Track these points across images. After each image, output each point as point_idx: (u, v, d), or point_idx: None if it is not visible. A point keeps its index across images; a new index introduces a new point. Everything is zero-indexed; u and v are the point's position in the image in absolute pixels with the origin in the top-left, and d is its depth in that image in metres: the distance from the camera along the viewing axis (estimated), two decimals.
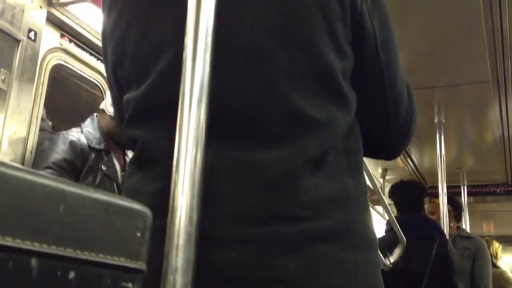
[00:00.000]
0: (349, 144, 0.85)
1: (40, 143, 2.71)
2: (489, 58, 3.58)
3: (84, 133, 2.71)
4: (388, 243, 2.84)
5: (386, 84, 0.91)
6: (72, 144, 2.61)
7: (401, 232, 2.65)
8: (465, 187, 6.37)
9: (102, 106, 2.88)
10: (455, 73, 3.89)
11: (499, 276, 5.34)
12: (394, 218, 2.71)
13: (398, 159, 5.64)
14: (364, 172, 0.90)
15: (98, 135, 2.74)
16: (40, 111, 2.76)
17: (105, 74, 3.38)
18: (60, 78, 3.11)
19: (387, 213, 2.76)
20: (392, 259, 2.66)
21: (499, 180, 6.70)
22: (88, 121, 2.80)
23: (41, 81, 2.79)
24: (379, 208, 6.26)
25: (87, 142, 2.68)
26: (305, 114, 0.80)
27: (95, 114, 2.87)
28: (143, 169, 0.87)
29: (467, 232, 4.43)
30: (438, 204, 4.18)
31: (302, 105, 0.80)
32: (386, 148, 1.02)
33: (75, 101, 3.43)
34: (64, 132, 2.69)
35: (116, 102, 1.03)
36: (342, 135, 0.84)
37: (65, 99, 3.37)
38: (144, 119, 0.87)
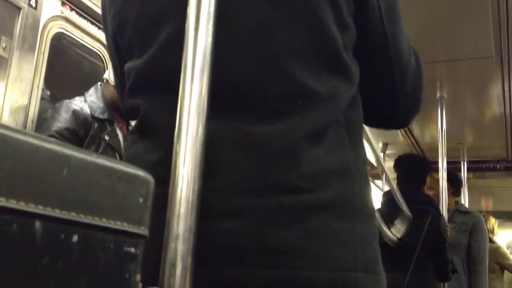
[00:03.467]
0: (350, 116, 0.85)
1: (41, 112, 2.70)
2: (493, 32, 3.54)
3: (88, 102, 2.69)
4: (387, 216, 2.86)
5: (392, 54, 0.91)
6: (75, 113, 2.61)
7: (407, 207, 2.66)
8: (465, 162, 6.38)
9: (105, 75, 2.85)
10: (458, 48, 3.85)
11: (495, 251, 5.40)
12: (398, 193, 2.71)
13: (399, 133, 5.63)
14: (368, 144, 0.91)
15: (101, 104, 2.72)
16: (41, 80, 2.75)
17: (106, 43, 3.35)
18: (61, 47, 3.09)
19: (392, 190, 2.75)
20: (399, 234, 2.68)
21: (499, 156, 6.70)
22: (91, 90, 2.78)
23: (42, 50, 2.77)
24: (379, 182, 6.29)
25: (90, 112, 2.66)
26: (307, 88, 0.80)
27: (99, 83, 2.85)
28: (144, 139, 0.87)
29: (466, 207, 4.45)
30: (437, 179, 4.19)
31: (305, 79, 0.80)
32: (395, 115, 1.01)
33: (75, 70, 3.41)
34: (67, 100, 2.68)
35: (116, 70, 1.03)
36: (344, 107, 0.84)
37: (66, 68, 3.35)
38: (145, 89, 0.88)
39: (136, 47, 0.89)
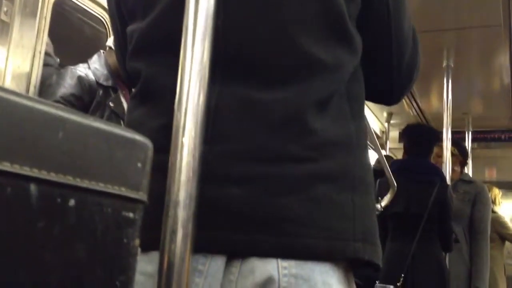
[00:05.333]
0: (352, 89, 0.86)
1: (46, 78, 2.69)
2: (502, 0, 3.49)
3: (92, 69, 2.70)
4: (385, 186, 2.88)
5: (393, 31, 0.91)
6: (80, 79, 2.61)
7: (393, 177, 2.68)
8: (470, 132, 6.36)
9: (108, 43, 2.84)
10: (466, 16, 3.80)
11: (495, 220, 5.42)
12: (387, 164, 2.71)
13: (404, 103, 5.60)
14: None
15: (105, 72, 2.73)
16: (43, 45, 2.72)
17: (107, 7, 3.31)
18: (63, 12, 3.06)
19: (380, 159, 2.77)
20: (383, 203, 2.70)
21: (504, 126, 6.69)
22: (95, 57, 2.78)
23: (44, 15, 2.74)
24: (384, 153, 6.29)
25: (95, 78, 2.67)
26: (313, 57, 0.80)
27: (101, 50, 2.84)
28: (147, 104, 0.87)
29: (469, 177, 4.45)
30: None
31: (311, 48, 0.80)
32: (388, 93, 1.03)
33: (78, 37, 3.38)
34: (72, 67, 2.68)
35: (117, 35, 1.02)
36: (347, 79, 0.85)
37: (68, 34, 3.32)
38: (148, 52, 0.87)
39: (140, 9, 0.88)
